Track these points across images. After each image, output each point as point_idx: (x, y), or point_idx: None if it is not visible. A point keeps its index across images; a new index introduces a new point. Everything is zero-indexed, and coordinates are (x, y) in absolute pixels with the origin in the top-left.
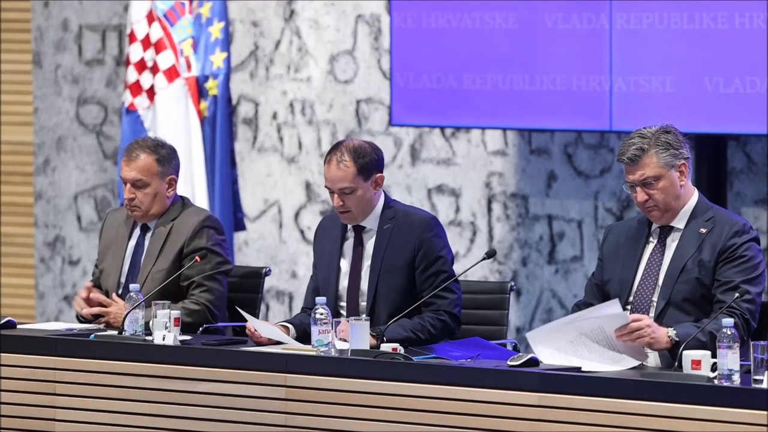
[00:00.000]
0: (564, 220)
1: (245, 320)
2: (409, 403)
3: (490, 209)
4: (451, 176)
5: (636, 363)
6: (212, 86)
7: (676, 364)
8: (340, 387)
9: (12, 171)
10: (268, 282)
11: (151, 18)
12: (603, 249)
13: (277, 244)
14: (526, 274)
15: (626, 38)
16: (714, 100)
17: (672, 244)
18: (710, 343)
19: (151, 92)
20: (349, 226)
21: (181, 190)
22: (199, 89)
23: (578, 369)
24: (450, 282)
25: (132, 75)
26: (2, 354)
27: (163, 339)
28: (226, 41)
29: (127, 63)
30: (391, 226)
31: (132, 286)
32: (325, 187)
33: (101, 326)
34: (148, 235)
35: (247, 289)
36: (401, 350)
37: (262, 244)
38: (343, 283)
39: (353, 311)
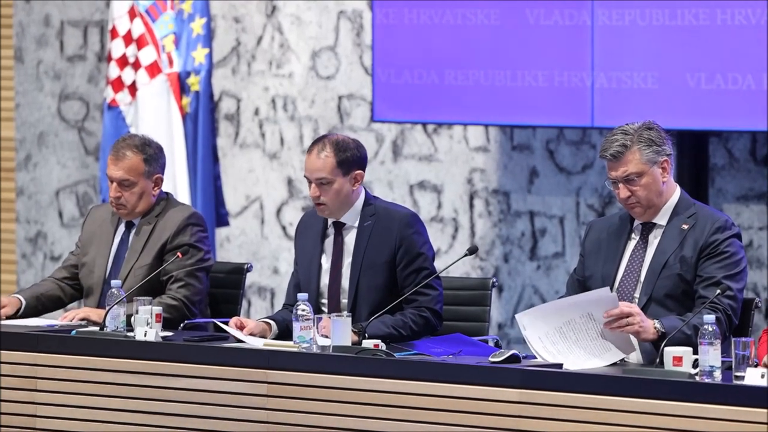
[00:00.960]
0: (546, 216)
1: (227, 316)
2: (390, 399)
3: (471, 205)
4: (433, 172)
5: (621, 356)
6: (194, 82)
7: (658, 360)
8: (321, 383)
9: None
10: (250, 278)
11: (132, 14)
12: (585, 245)
13: (258, 240)
14: (508, 271)
15: (608, 34)
16: (696, 96)
17: (654, 240)
18: (695, 337)
19: (133, 88)
20: (330, 223)
21: (164, 185)
22: (181, 85)
23: (560, 366)
24: (431, 278)
25: (114, 71)
26: None
27: (145, 335)
28: (208, 37)
29: (109, 59)
30: (371, 223)
31: (113, 282)
32: (304, 176)
33: (83, 323)
34: (133, 231)
35: (229, 285)
36: (383, 346)
37: (244, 240)
38: (324, 280)
39: (334, 308)
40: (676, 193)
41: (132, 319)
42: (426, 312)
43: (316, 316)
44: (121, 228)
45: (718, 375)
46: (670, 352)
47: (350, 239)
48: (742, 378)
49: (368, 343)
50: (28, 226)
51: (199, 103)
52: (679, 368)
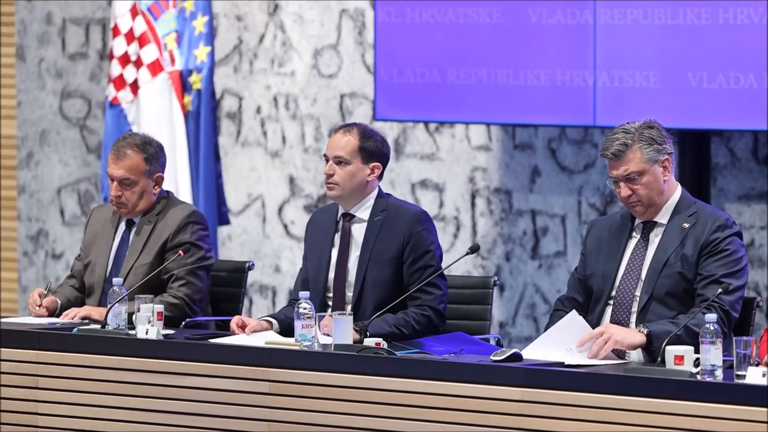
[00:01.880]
0: (547, 215)
1: (228, 315)
2: (392, 397)
3: (473, 204)
4: (435, 171)
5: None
6: (196, 80)
7: (659, 359)
8: (323, 381)
9: None
10: (252, 276)
11: (134, 12)
12: (586, 243)
13: (260, 239)
14: (510, 269)
15: (610, 33)
16: (698, 95)
17: (655, 238)
18: (687, 337)
19: (134, 86)
20: (339, 216)
21: (165, 184)
22: (182, 83)
23: (561, 364)
24: (436, 277)
25: (116, 69)
26: None
27: (147, 333)
28: (210, 35)
29: (111, 57)
30: (381, 218)
31: (115, 280)
32: (324, 155)
33: (84, 321)
34: (134, 230)
35: (231, 283)
36: (384, 345)
37: (246, 239)
38: (332, 273)
39: (339, 301)
40: (677, 191)
41: (133, 317)
42: (429, 311)
43: (317, 314)
44: (122, 227)
45: (719, 374)
46: (671, 350)
47: (359, 233)
48: (744, 377)
49: (370, 342)
50: (29, 224)
51: (200, 101)
52: (681, 367)
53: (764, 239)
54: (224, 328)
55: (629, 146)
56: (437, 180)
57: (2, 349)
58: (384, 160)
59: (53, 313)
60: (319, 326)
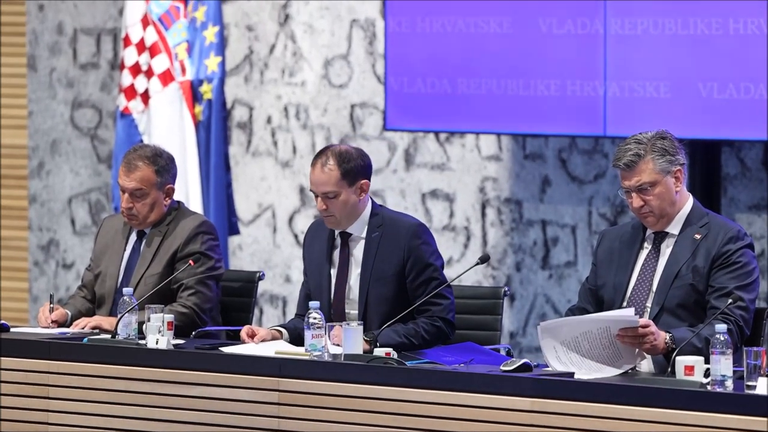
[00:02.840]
0: (558, 225)
1: (238, 324)
2: (402, 407)
3: (484, 214)
4: (446, 181)
5: (632, 364)
6: (207, 90)
7: (670, 369)
8: (333, 391)
9: (6, 174)
10: (262, 286)
11: (146, 22)
12: (597, 254)
13: (270, 248)
14: (520, 279)
15: (621, 43)
16: (708, 105)
17: (666, 249)
18: (706, 349)
19: (145, 96)
20: (337, 233)
21: (176, 194)
22: (193, 93)
23: (571, 374)
24: (442, 288)
25: (126, 79)
26: None
27: (157, 343)
28: (221, 45)
29: (122, 67)
30: (379, 234)
31: (125, 290)
32: (310, 190)
33: (95, 331)
34: (144, 240)
35: (241, 293)
36: (394, 355)
37: (256, 248)
38: (333, 291)
39: (340, 319)
40: (688, 202)
41: (143, 326)
42: (438, 321)
43: (327, 324)
44: (133, 237)
45: (729, 384)
46: (681, 361)
47: (358, 251)
48: (754, 387)
49: (380, 352)
50: (40, 234)
51: (211, 111)
52: (691, 377)
53: None
54: (234, 338)
55: (642, 157)
56: (448, 190)
57: (13, 359)
58: (368, 172)
59: (63, 325)
60: (329, 336)
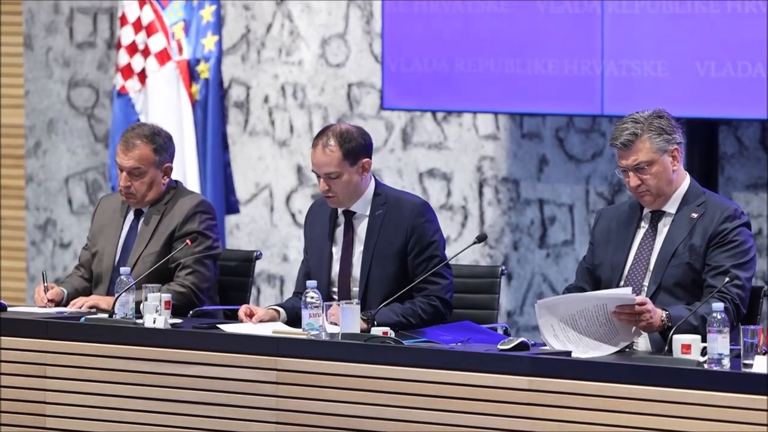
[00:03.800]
0: (555, 204)
1: (236, 304)
2: (399, 386)
3: (481, 193)
4: (443, 160)
5: (629, 341)
6: (204, 69)
7: (666, 348)
8: (330, 370)
9: (3, 154)
10: (259, 265)
11: (142, 1)
12: (594, 233)
13: (268, 228)
14: (518, 258)
15: (618, 22)
16: (706, 84)
17: (663, 228)
18: (701, 327)
19: (142, 75)
20: (340, 212)
21: (174, 173)
22: (190, 72)
23: (569, 353)
24: (441, 267)
25: (123, 58)
26: None
27: (154, 322)
28: (218, 24)
29: (119, 46)
30: (382, 212)
31: (122, 269)
32: (312, 171)
33: (92, 310)
34: (142, 219)
35: (238, 272)
36: (392, 334)
37: (254, 228)
38: (335, 269)
39: (345, 297)
40: (685, 181)
41: (141, 306)
42: (435, 301)
43: (325, 303)
44: (130, 216)
45: (726, 363)
46: (678, 339)
47: (361, 229)
48: (751, 366)
49: (377, 331)
50: (37, 213)
51: (208, 90)
52: (688, 356)
53: None
54: (232, 317)
55: (639, 136)
56: (445, 169)
57: (11, 338)
58: (369, 151)
59: (59, 303)
60: (326, 315)
